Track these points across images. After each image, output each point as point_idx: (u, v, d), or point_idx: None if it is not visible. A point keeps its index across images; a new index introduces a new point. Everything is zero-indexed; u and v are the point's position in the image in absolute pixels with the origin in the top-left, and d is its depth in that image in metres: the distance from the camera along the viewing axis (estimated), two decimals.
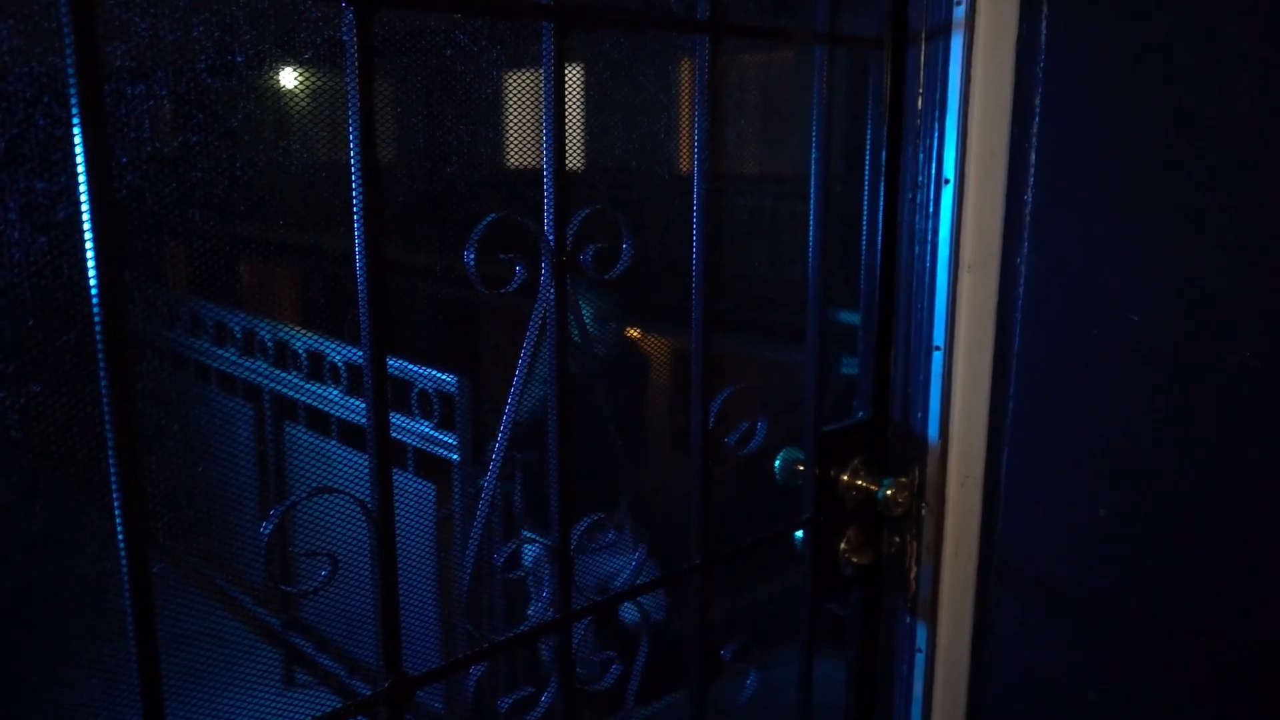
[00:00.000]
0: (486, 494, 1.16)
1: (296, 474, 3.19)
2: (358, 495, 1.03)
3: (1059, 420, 1.29)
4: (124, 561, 0.84)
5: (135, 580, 0.85)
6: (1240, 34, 1.08)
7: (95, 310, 0.80)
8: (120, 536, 0.85)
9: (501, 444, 1.19)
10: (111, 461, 0.84)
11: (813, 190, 1.37)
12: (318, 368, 3.04)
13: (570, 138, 1.12)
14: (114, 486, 0.84)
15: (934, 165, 1.38)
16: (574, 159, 1.15)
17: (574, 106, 1.12)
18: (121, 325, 0.81)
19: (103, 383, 0.83)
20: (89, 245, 0.79)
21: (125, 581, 0.85)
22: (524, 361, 1.19)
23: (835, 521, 1.47)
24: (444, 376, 2.70)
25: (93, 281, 0.80)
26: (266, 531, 0.93)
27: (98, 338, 0.82)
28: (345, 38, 0.94)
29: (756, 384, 1.38)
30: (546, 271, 1.13)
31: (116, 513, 0.85)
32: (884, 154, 1.42)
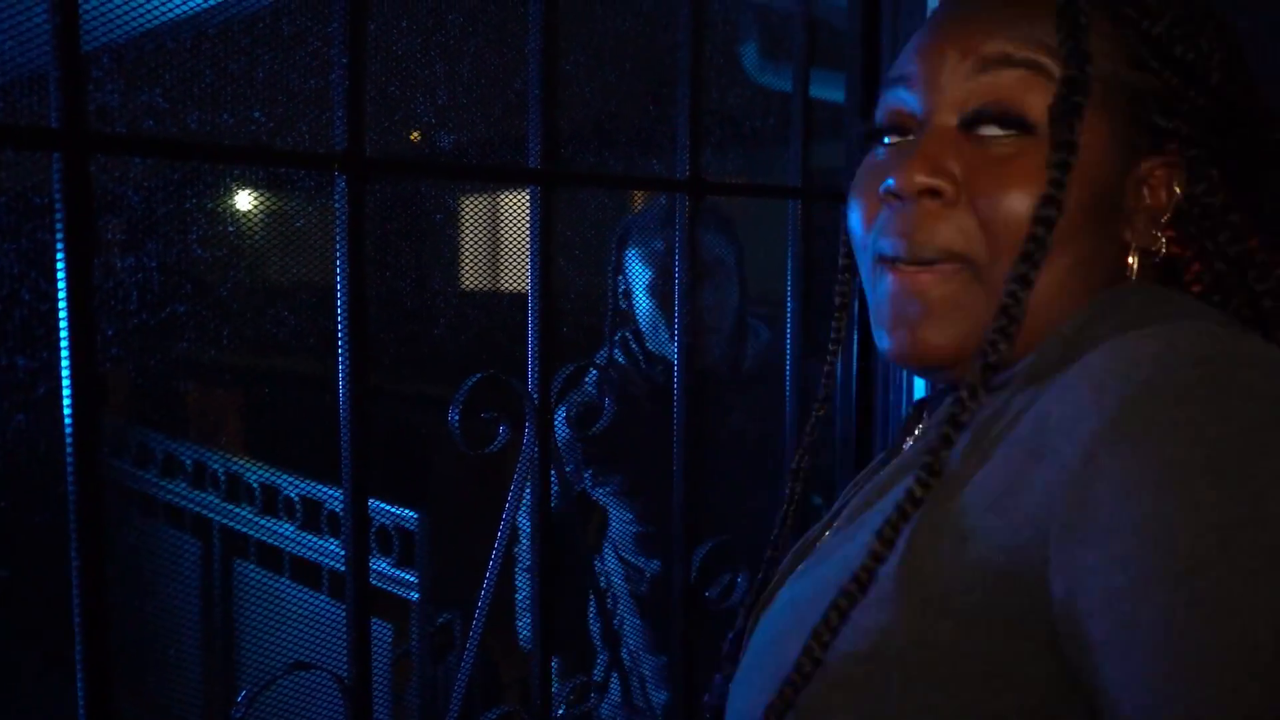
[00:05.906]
0: (467, 662, 1.11)
1: (244, 614, 3.07)
2: (328, 657, 0.99)
3: None
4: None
5: None
6: None
7: (70, 488, 0.77)
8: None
9: (483, 604, 1.15)
10: (78, 653, 0.79)
11: (789, 334, 1.39)
12: (271, 502, 2.95)
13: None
14: (79, 676, 0.79)
15: None
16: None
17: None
18: (98, 509, 0.78)
19: (74, 562, 0.79)
20: (68, 422, 0.76)
21: None
22: (507, 518, 1.16)
23: None
24: (404, 512, 2.63)
25: (69, 457, 0.77)
26: (238, 717, 0.88)
27: (70, 511, 0.78)
28: (337, 204, 0.94)
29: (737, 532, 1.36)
30: (530, 429, 1.12)
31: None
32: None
